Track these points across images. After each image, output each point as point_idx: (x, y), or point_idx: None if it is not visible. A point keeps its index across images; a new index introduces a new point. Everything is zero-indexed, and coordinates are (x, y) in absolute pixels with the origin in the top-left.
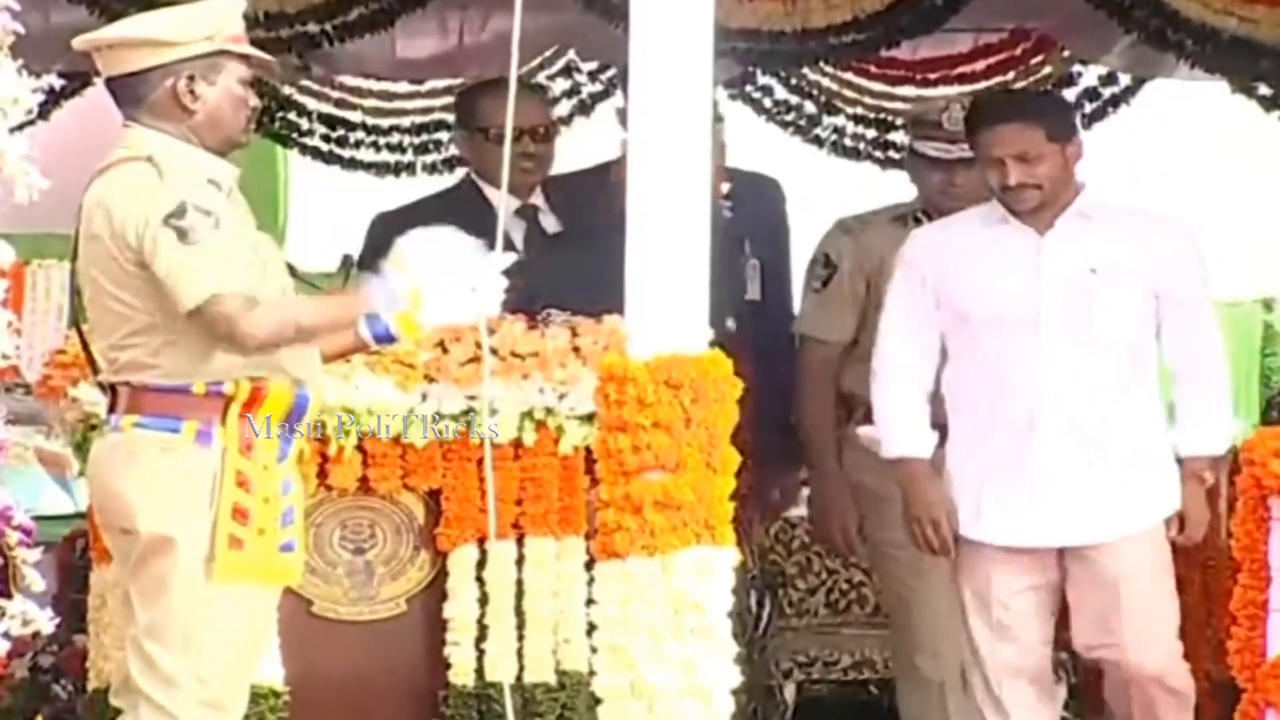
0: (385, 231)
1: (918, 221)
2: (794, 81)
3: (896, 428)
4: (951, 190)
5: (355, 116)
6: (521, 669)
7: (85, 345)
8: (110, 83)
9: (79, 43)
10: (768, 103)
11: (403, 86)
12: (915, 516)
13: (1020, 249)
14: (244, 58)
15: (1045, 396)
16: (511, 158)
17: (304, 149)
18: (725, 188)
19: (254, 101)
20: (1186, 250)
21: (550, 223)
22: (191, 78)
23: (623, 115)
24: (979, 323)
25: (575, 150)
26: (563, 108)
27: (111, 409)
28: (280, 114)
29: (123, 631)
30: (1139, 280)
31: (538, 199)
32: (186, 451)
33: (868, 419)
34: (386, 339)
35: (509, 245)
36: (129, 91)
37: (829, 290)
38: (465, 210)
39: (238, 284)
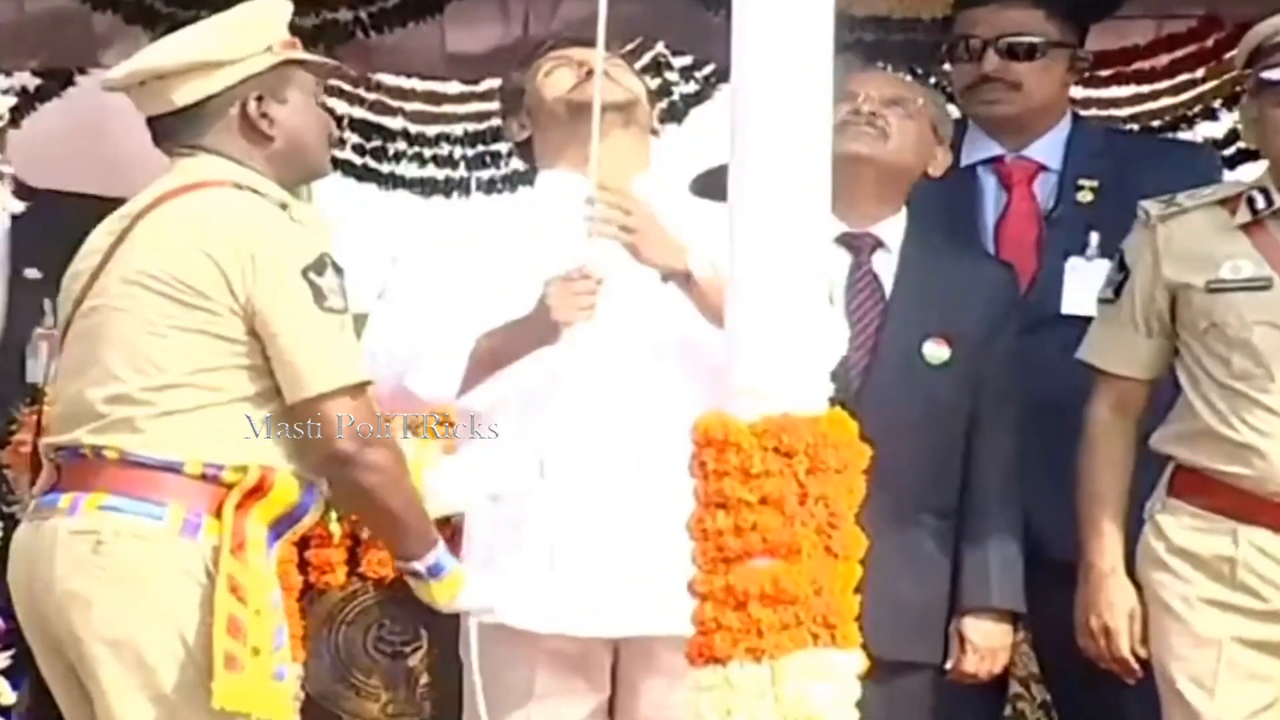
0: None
1: (1251, 201)
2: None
3: None
4: None
5: (395, 123)
6: None
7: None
8: (155, 120)
9: (108, 84)
10: None
11: (453, 87)
12: None
13: None
14: (303, 64)
15: None
16: None
17: (333, 162)
18: None
19: (331, 123)
20: None
21: None
22: (260, 98)
23: None
24: None
25: (666, 165)
26: None
27: (56, 484)
28: None
29: None
30: None
31: None
32: (165, 543)
33: (1187, 489)
34: None
35: None
36: (185, 127)
37: (1119, 304)
38: None
39: (362, 376)
